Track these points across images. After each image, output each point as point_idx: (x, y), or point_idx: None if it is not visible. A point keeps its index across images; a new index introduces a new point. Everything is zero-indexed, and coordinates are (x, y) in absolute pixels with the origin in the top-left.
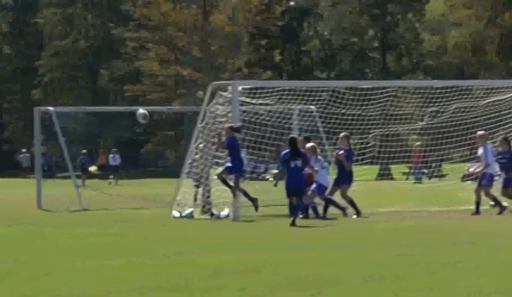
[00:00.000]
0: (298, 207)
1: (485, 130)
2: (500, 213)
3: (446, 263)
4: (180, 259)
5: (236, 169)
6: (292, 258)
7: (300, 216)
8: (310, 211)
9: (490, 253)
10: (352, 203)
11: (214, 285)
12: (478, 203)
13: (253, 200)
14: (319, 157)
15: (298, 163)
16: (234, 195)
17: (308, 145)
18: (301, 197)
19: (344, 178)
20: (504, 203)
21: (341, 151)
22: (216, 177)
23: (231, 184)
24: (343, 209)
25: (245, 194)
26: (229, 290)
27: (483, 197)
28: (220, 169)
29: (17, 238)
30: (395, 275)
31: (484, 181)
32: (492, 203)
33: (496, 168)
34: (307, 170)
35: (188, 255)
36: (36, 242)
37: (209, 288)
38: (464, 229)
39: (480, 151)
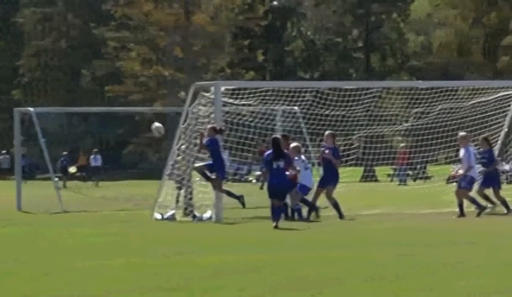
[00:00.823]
0: (281, 209)
1: (471, 131)
2: (479, 214)
3: (446, 263)
4: (180, 259)
5: (217, 171)
6: (292, 258)
7: (282, 218)
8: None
9: (490, 253)
10: (336, 205)
11: (214, 285)
12: (461, 205)
13: (239, 198)
14: (302, 157)
15: (281, 164)
16: (214, 188)
17: (293, 144)
18: (283, 198)
19: (330, 178)
20: (490, 205)
21: (327, 150)
22: (195, 169)
23: (212, 177)
24: (316, 209)
25: (229, 194)
26: (229, 290)
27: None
28: (200, 164)
29: (14, 238)
30: (395, 275)
31: (464, 183)
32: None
33: (479, 169)
34: (291, 172)
35: (188, 255)
36: (35, 242)
37: (209, 288)
38: (463, 230)
39: (462, 152)
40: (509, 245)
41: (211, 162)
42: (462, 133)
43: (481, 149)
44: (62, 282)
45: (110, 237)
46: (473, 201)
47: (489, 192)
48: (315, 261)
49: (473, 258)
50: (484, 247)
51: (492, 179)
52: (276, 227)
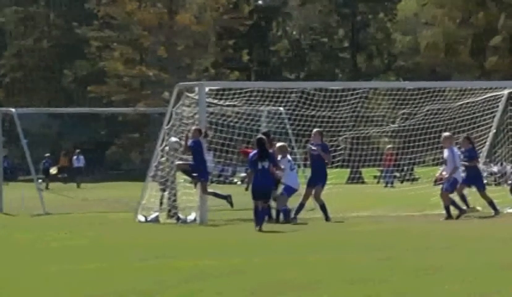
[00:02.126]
0: (264, 212)
1: (458, 132)
2: (458, 217)
3: (428, 267)
4: (155, 263)
5: (200, 173)
6: (270, 261)
7: (265, 220)
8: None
9: (472, 256)
10: (323, 207)
11: (189, 289)
12: (447, 207)
13: (226, 197)
14: (288, 157)
15: (266, 164)
16: (195, 185)
17: (279, 144)
18: (268, 200)
19: (318, 179)
20: (479, 207)
21: (314, 147)
22: (177, 167)
23: (193, 174)
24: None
25: (216, 195)
26: (205, 294)
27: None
28: (182, 161)
29: None
30: (377, 278)
31: (446, 185)
32: (471, 206)
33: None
34: (280, 173)
35: (164, 259)
36: (7, 246)
37: (185, 293)
38: (442, 233)
39: (446, 153)
40: (490, 248)
41: (192, 163)
42: (445, 134)
43: (462, 148)
44: (35, 287)
45: (87, 240)
46: (453, 203)
47: (469, 194)
48: (294, 264)
49: (455, 262)
50: (466, 251)
51: (474, 179)
52: (260, 230)
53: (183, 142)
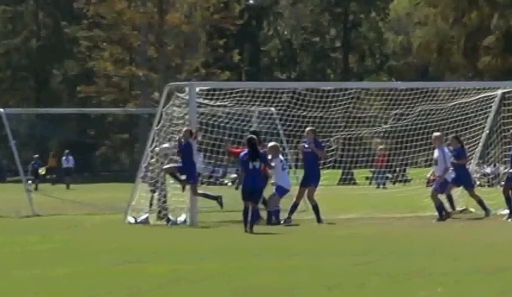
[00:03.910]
0: (255, 213)
1: (451, 133)
2: (444, 219)
3: (408, 272)
4: (130, 268)
5: (188, 176)
6: (249, 266)
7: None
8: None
9: (455, 261)
10: (315, 208)
11: (165, 295)
12: (439, 208)
13: (217, 198)
14: (280, 157)
15: (257, 164)
16: (183, 189)
17: (270, 144)
18: (258, 200)
19: (311, 178)
20: (471, 209)
21: (307, 145)
22: (164, 171)
23: (181, 178)
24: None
25: (206, 196)
26: None
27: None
28: (170, 165)
29: None
30: (356, 283)
31: (435, 185)
32: (460, 208)
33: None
34: (270, 172)
35: (139, 264)
36: None
37: None
38: (425, 237)
39: (436, 153)
40: (472, 253)
41: (181, 165)
42: (436, 134)
43: (451, 148)
44: (5, 292)
45: (57, 244)
46: (440, 205)
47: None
48: (272, 269)
49: (436, 266)
50: (447, 255)
51: (462, 178)
52: (251, 231)
53: (174, 143)
